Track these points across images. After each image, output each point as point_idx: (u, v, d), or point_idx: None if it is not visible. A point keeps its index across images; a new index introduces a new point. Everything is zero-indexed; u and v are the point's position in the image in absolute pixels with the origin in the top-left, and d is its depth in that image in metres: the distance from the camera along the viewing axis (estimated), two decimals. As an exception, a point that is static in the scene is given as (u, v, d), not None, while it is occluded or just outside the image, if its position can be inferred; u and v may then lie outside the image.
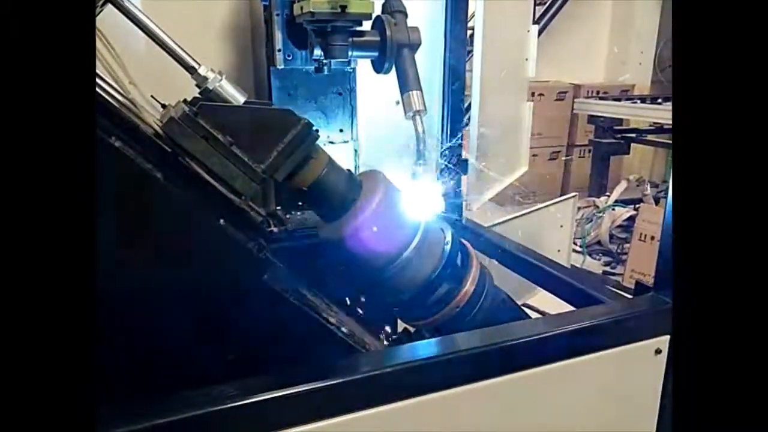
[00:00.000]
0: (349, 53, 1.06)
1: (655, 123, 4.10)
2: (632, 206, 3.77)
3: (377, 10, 1.07)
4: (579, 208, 3.84)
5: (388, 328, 1.01)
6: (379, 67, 1.10)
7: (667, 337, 0.96)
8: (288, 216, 1.24)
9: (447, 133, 1.56)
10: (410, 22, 1.09)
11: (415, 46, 1.07)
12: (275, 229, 0.92)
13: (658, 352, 0.96)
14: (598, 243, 3.75)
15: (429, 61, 1.53)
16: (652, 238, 3.13)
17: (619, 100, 4.25)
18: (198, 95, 0.89)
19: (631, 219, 3.58)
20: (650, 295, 1.02)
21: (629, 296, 1.10)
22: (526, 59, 1.81)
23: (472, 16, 1.69)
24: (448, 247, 1.02)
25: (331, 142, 1.31)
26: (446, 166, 1.56)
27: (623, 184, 3.97)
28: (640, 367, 0.97)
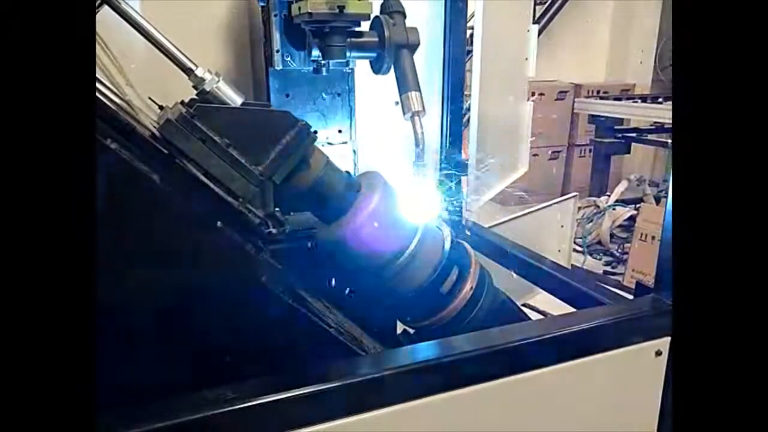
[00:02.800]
0: (348, 54, 1.06)
1: (655, 122, 4.09)
2: (633, 206, 3.76)
3: (375, 11, 1.07)
4: (579, 208, 3.83)
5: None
6: (377, 67, 1.09)
7: (668, 339, 0.95)
8: (286, 217, 1.24)
9: (446, 133, 1.55)
10: (409, 23, 1.09)
11: (413, 47, 1.06)
12: (274, 231, 0.92)
13: (659, 353, 0.95)
14: (599, 243, 3.74)
15: (428, 62, 1.53)
16: (653, 238, 3.12)
17: (619, 99, 4.24)
18: (195, 97, 0.88)
19: (632, 219, 3.57)
20: (650, 296, 1.01)
21: (630, 296, 1.10)
22: (526, 59, 1.80)
23: (472, 16, 1.69)
24: (447, 249, 1.01)
25: (330, 143, 1.31)
26: (446, 166, 1.55)
27: (624, 184, 3.96)
28: (641, 369, 0.97)
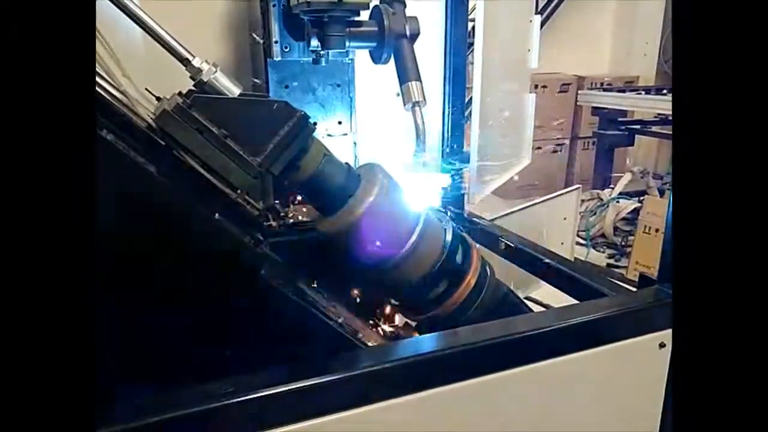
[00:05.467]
0: (347, 44, 1.04)
1: (659, 114, 4.06)
2: (636, 198, 3.74)
3: (375, 0, 1.05)
4: (583, 201, 3.82)
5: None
6: (377, 57, 1.08)
7: (671, 331, 0.94)
8: (286, 210, 1.23)
9: (448, 124, 1.54)
10: (409, 12, 1.07)
11: (413, 36, 1.05)
12: (273, 223, 0.91)
13: (663, 345, 0.95)
14: (602, 236, 3.72)
15: (429, 53, 1.51)
16: (657, 230, 3.10)
17: (623, 91, 4.21)
18: (193, 88, 0.87)
19: (636, 211, 3.55)
20: (654, 288, 1.00)
21: (633, 289, 1.09)
22: (529, 50, 1.78)
23: (473, 8, 1.67)
24: (448, 241, 1.00)
25: (330, 135, 1.29)
26: (447, 158, 1.54)
27: (627, 176, 3.95)
28: (645, 361, 0.96)
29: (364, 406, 0.75)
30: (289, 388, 0.71)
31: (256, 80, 1.29)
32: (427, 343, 0.85)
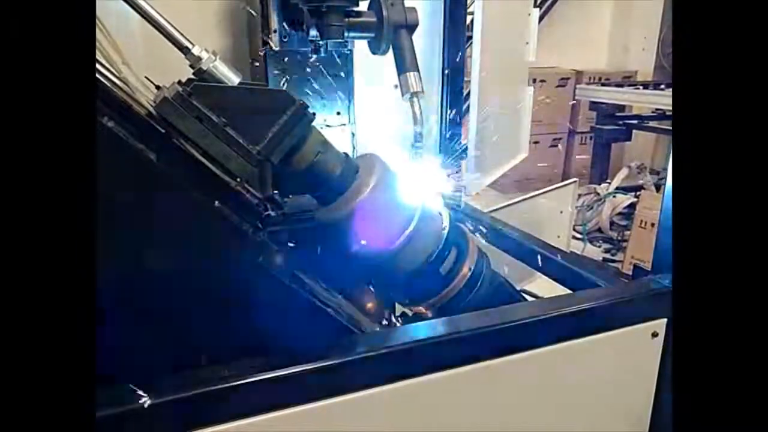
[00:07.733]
0: (346, 34, 1.05)
1: (657, 109, 4.07)
2: (633, 193, 3.76)
3: (374, -10, 1.06)
4: (580, 195, 3.83)
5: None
6: (375, 48, 1.08)
7: (664, 321, 0.96)
8: (285, 200, 1.23)
9: (446, 116, 1.55)
10: (408, 3, 1.08)
11: (412, 27, 1.05)
12: (272, 213, 0.91)
13: (655, 335, 0.96)
14: (599, 230, 3.74)
15: (428, 46, 1.52)
16: (653, 225, 3.11)
17: (621, 86, 4.21)
18: (192, 76, 0.88)
19: (632, 206, 3.57)
20: (647, 278, 1.01)
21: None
22: (527, 43, 1.79)
23: (473, 1, 1.67)
24: (445, 231, 1.01)
25: (328, 126, 1.30)
26: (445, 150, 1.55)
27: (624, 171, 3.96)
28: (637, 350, 0.97)
29: (359, 391, 0.76)
30: (286, 372, 0.72)
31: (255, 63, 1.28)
32: (422, 330, 0.85)
